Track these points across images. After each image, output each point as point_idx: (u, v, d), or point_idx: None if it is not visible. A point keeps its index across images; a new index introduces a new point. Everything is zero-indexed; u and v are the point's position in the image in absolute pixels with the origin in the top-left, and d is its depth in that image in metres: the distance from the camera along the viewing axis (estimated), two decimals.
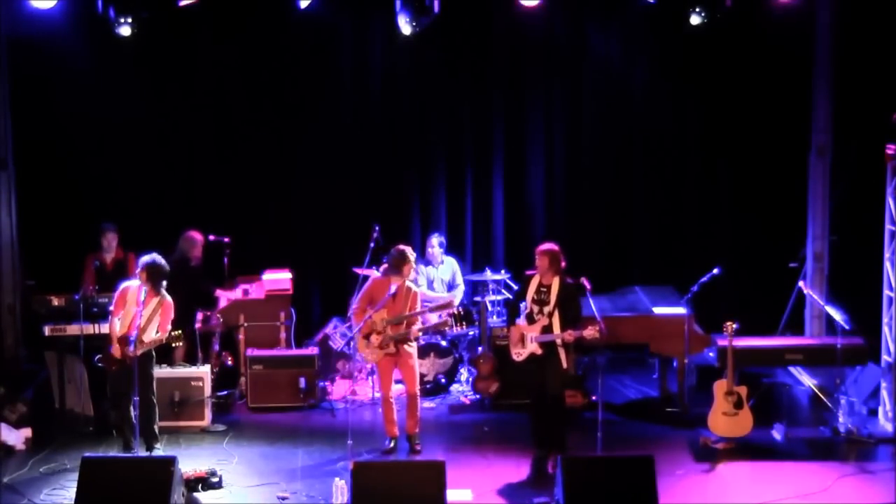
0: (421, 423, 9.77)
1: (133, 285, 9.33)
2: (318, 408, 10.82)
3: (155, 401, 9.46)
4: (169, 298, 9.32)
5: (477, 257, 12.40)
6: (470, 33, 12.31)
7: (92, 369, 10.11)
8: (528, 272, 9.32)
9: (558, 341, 9.00)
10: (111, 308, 9.48)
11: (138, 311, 9.12)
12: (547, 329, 9.06)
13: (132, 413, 9.14)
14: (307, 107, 12.43)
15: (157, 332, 9.20)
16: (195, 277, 11.16)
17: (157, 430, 9.43)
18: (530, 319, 9.16)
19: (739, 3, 11.33)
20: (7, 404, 10.18)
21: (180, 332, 9.26)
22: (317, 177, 12.55)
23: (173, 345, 9.57)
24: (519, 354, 9.24)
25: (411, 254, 9.57)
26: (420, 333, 9.76)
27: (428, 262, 11.73)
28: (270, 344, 11.26)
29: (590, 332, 8.87)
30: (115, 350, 9.19)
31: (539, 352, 9.10)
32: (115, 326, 9.27)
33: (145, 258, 9.33)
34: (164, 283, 9.31)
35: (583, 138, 12.59)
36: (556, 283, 9.08)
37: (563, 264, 9.13)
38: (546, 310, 9.06)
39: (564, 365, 9.12)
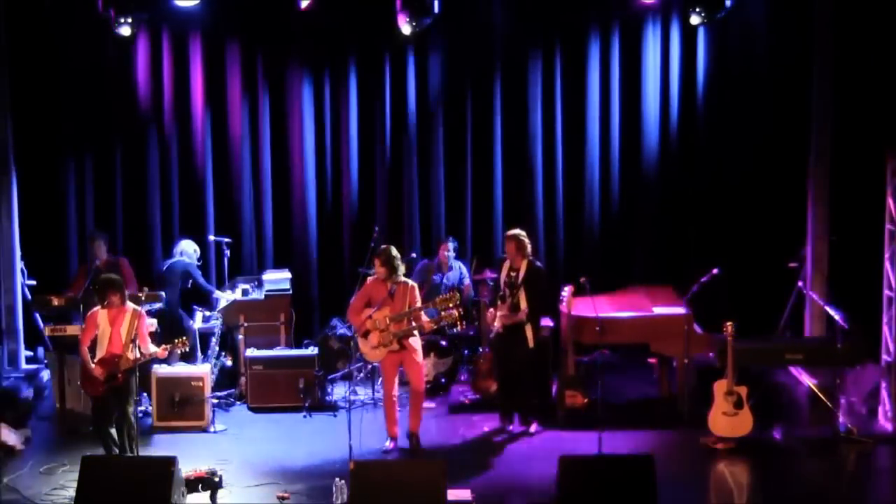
0: (422, 422, 9.76)
1: (98, 309, 8.96)
2: (317, 408, 10.82)
3: (134, 419, 8.98)
4: (140, 308, 9.04)
5: (476, 257, 12.37)
6: (470, 31, 12.31)
7: None
8: (501, 257, 10.13)
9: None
10: (80, 336, 9.07)
11: (115, 331, 8.83)
12: (515, 308, 9.77)
13: (114, 432, 8.87)
14: (306, 106, 12.43)
15: (141, 346, 8.88)
16: (193, 277, 11.21)
17: (136, 448, 8.97)
18: (502, 300, 9.89)
19: (739, 3, 11.34)
20: (7, 404, 10.18)
21: (183, 338, 9.15)
22: (317, 177, 12.56)
23: (178, 351, 9.36)
24: (492, 333, 10.11)
25: (387, 253, 9.47)
26: (434, 326, 9.80)
27: (439, 267, 11.73)
28: (270, 344, 11.26)
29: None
30: (98, 372, 8.80)
31: (501, 330, 9.89)
32: (87, 354, 8.87)
33: (102, 278, 9.06)
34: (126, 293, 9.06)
35: (583, 138, 12.58)
36: (524, 266, 9.77)
37: (529, 248, 9.85)
38: (517, 292, 9.77)
39: (531, 344, 9.79)
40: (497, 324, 9.91)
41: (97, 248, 11.09)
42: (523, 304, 9.75)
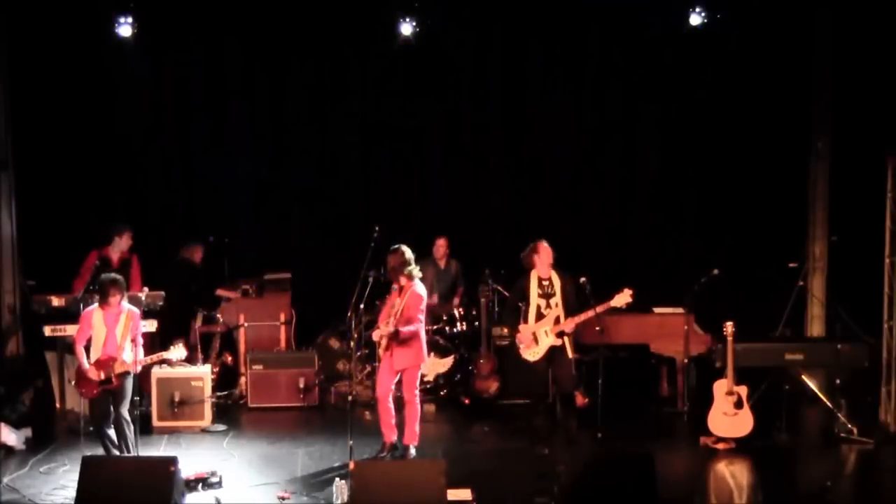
0: (421, 432, 9.35)
1: (93, 308, 8.84)
2: (318, 408, 10.81)
3: (129, 419, 8.84)
4: (135, 309, 8.89)
5: (477, 257, 12.38)
6: (470, 29, 12.33)
7: None
8: (521, 272, 9.64)
9: (580, 320, 9.35)
10: (75, 336, 8.93)
11: (111, 332, 8.70)
12: (559, 320, 9.42)
13: (112, 433, 8.81)
14: (307, 106, 12.44)
15: (133, 346, 8.76)
16: (195, 276, 11.21)
17: (131, 448, 8.87)
18: (538, 315, 9.43)
19: (739, 3, 11.34)
20: (7, 404, 10.19)
21: (180, 345, 8.97)
22: (317, 177, 12.57)
23: (174, 358, 9.09)
24: (536, 353, 9.48)
25: (396, 251, 9.25)
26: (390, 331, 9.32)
27: (436, 263, 11.72)
28: (270, 344, 11.26)
29: (620, 300, 9.25)
30: (93, 373, 8.67)
31: (559, 343, 9.43)
32: (83, 353, 8.74)
33: (107, 276, 8.86)
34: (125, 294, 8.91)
35: (583, 139, 12.59)
36: (555, 275, 9.51)
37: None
38: (554, 301, 9.46)
39: (570, 355, 9.50)
40: (551, 339, 9.40)
41: (123, 242, 10.98)
42: (562, 317, 9.41)
